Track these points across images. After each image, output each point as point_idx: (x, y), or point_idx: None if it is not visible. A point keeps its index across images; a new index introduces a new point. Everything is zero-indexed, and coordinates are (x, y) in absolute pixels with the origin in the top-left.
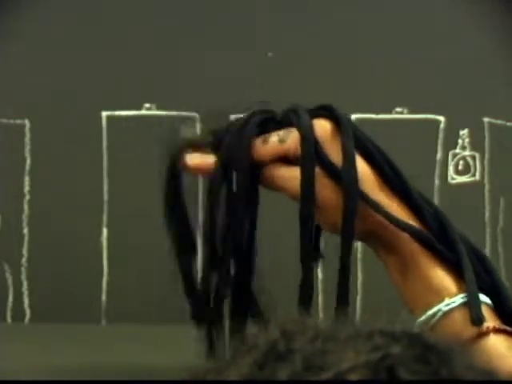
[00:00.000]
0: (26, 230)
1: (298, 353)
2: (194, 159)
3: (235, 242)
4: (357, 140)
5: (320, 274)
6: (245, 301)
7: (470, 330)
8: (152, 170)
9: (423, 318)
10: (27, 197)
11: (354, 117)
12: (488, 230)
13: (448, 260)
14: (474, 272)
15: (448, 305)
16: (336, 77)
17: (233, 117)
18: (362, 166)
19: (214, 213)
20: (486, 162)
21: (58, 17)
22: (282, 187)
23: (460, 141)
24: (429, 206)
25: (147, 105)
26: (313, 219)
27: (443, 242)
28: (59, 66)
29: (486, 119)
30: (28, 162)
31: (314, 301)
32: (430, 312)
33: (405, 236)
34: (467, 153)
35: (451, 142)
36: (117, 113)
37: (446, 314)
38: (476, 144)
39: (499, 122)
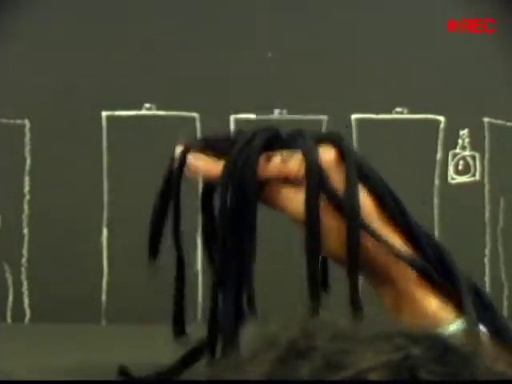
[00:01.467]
0: (26, 230)
1: (318, 351)
2: (199, 160)
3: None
4: (360, 169)
5: None
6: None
7: None
8: (152, 170)
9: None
10: (27, 197)
11: (353, 117)
12: (488, 230)
13: (446, 291)
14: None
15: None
16: (336, 77)
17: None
18: (363, 196)
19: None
20: (486, 162)
21: (57, 17)
22: (285, 208)
23: (460, 141)
24: (429, 237)
25: (147, 105)
26: (319, 250)
27: (442, 273)
28: (59, 66)
29: (485, 119)
30: (28, 162)
31: None
32: None
33: (401, 267)
34: (467, 153)
35: (451, 142)
36: (117, 113)
37: None
38: (476, 144)
39: (499, 121)
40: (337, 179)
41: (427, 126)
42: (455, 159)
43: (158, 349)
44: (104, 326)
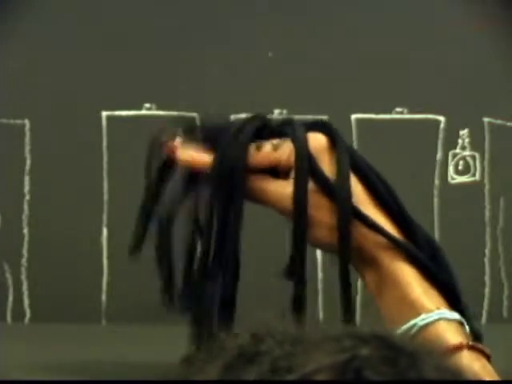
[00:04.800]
0: (25, 230)
1: (266, 355)
2: (188, 153)
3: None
4: (350, 156)
5: (320, 274)
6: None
7: (443, 346)
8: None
9: (399, 332)
10: (27, 197)
11: (353, 117)
12: (488, 230)
13: (434, 278)
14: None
15: (424, 319)
16: (336, 77)
17: (231, 117)
18: (354, 182)
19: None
20: (485, 162)
21: (57, 17)
22: (272, 202)
23: (460, 141)
24: (421, 228)
25: (147, 105)
26: (306, 237)
27: (432, 262)
28: (59, 66)
29: (485, 119)
30: (28, 162)
31: (314, 300)
32: (406, 326)
33: (389, 251)
34: (467, 153)
35: (451, 142)
36: (117, 113)
37: (422, 328)
38: (476, 144)
39: (499, 121)
40: (327, 166)
41: (427, 125)
42: (455, 159)
43: (158, 349)
44: (104, 325)
